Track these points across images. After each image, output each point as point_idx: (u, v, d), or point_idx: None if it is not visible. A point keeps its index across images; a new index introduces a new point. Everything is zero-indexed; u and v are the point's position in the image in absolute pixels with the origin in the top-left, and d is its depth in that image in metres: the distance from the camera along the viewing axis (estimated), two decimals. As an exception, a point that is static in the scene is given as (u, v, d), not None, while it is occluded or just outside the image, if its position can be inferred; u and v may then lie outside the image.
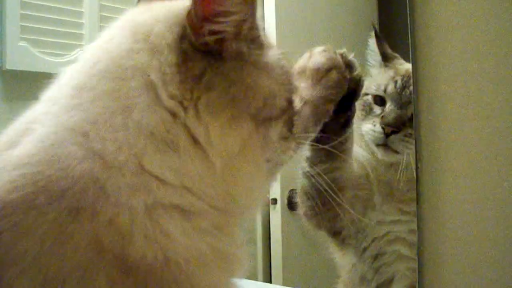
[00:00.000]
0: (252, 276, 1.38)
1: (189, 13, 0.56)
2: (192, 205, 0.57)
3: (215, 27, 0.57)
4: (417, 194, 0.97)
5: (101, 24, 1.53)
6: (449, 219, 0.96)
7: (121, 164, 0.53)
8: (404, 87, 1.05)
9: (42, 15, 1.40)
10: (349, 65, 0.90)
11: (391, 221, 1.07)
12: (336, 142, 0.97)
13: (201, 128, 0.57)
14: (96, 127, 0.54)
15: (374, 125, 1.05)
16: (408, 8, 0.97)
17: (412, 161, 0.99)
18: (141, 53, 0.57)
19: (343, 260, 1.19)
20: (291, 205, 1.45)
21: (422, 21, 0.98)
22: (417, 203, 0.96)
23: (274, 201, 1.48)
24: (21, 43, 1.36)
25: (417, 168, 0.97)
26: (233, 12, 0.57)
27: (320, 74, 0.83)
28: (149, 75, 0.56)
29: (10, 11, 1.35)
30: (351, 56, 0.92)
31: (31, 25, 1.39)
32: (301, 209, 1.13)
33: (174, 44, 0.58)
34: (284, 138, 0.67)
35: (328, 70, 0.85)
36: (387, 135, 1.03)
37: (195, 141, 0.57)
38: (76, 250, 0.50)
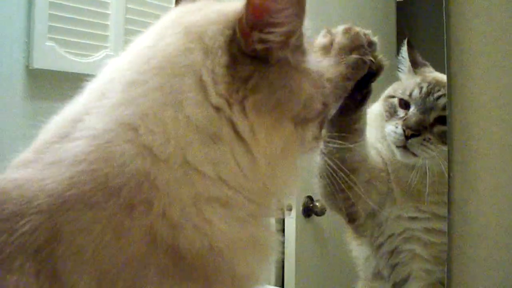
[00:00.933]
0: (265, 281, 1.39)
1: (240, 20, 0.59)
2: (229, 197, 0.60)
3: (265, 36, 0.59)
4: (449, 202, 0.99)
5: (127, 27, 1.55)
6: (480, 228, 0.97)
7: (168, 157, 0.57)
8: (428, 93, 1.08)
9: (70, 16, 1.43)
10: (371, 45, 0.92)
11: (409, 217, 1.09)
12: (348, 119, 1.00)
13: (246, 124, 0.60)
14: (146, 121, 0.57)
15: (396, 127, 1.08)
16: (444, 20, 1.00)
17: (433, 166, 1.03)
18: (196, 52, 0.60)
19: (358, 252, 1.21)
20: (306, 211, 1.46)
21: (456, 32, 1.00)
22: (448, 212, 0.98)
23: (289, 207, 1.49)
24: (48, 43, 1.39)
25: (449, 176, 0.99)
26: (284, 24, 0.59)
27: (343, 53, 0.86)
28: (201, 74, 0.59)
29: (39, 10, 1.37)
30: (374, 38, 0.93)
31: (58, 25, 1.41)
32: (319, 193, 1.14)
33: (226, 46, 0.60)
34: (316, 138, 0.70)
35: (351, 50, 0.87)
36: (407, 137, 1.06)
37: (238, 135, 0.60)
38: (131, 245, 0.53)
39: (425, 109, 1.07)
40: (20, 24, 1.36)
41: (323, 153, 1.02)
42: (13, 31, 1.36)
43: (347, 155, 1.04)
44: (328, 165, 1.00)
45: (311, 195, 1.47)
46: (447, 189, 1.06)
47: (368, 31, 0.93)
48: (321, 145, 0.75)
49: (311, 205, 1.46)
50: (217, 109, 0.59)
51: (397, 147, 1.08)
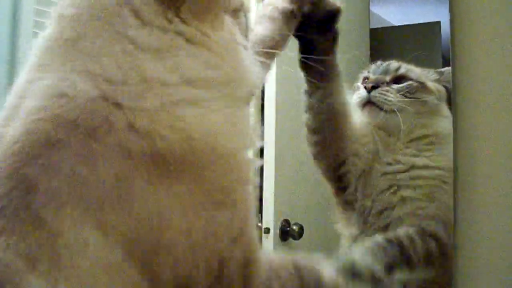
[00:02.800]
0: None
1: None
2: (197, 95, 0.63)
3: None
4: (454, 202, 1.05)
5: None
6: (486, 227, 1.01)
7: (124, 78, 0.59)
8: (381, 64, 1.29)
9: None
10: None
11: (392, 172, 1.18)
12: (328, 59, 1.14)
13: (193, 29, 0.65)
14: (95, 60, 0.59)
15: (359, 89, 1.25)
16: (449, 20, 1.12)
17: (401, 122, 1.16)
18: None
19: (346, 230, 1.26)
20: (283, 235, 1.48)
21: (461, 34, 1.10)
22: (454, 212, 1.04)
23: (267, 230, 1.50)
24: None
25: (454, 177, 1.06)
26: None
27: None
28: (132, 5, 0.63)
29: (24, 34, 1.38)
30: None
31: None
32: (310, 152, 1.24)
33: None
34: (246, 29, 0.77)
35: None
36: (369, 92, 1.21)
37: (191, 41, 0.65)
38: (108, 167, 0.55)
39: (380, 72, 1.26)
40: (4, 45, 1.36)
41: (312, 108, 1.16)
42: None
43: (334, 99, 1.17)
44: (319, 117, 1.16)
45: (288, 218, 1.50)
46: (420, 141, 1.17)
47: None
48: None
49: (288, 228, 1.49)
50: (161, 27, 0.63)
51: (364, 106, 1.22)
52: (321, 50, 1.10)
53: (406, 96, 1.18)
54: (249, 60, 0.72)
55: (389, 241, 1.04)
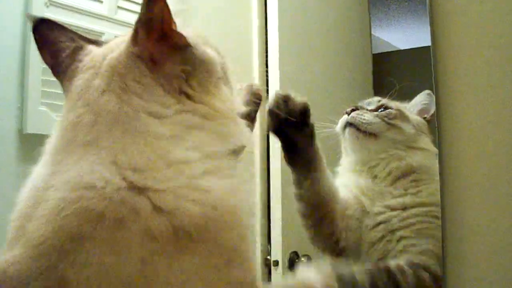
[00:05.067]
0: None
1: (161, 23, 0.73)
2: (215, 166, 0.69)
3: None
4: (442, 204, 1.06)
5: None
6: (473, 228, 1.02)
7: (152, 165, 0.64)
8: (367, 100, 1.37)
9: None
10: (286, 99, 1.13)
11: (382, 221, 1.20)
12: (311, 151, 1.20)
13: (203, 105, 0.73)
14: (122, 152, 0.64)
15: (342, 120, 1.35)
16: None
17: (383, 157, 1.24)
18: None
19: None
20: (292, 267, 1.49)
21: (442, 40, 1.13)
22: (442, 215, 1.06)
23: (276, 263, 1.51)
24: (41, 108, 1.42)
25: (441, 180, 1.08)
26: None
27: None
28: (148, 109, 0.69)
29: (32, 76, 1.40)
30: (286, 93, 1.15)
31: (51, 90, 1.42)
32: (307, 235, 1.29)
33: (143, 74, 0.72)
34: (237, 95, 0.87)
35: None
36: (348, 114, 1.32)
37: (203, 116, 0.73)
38: (135, 252, 0.58)
39: (365, 104, 1.35)
40: (13, 89, 1.38)
41: (302, 197, 1.22)
42: (6, 97, 1.38)
43: (317, 187, 1.22)
44: (308, 203, 1.21)
45: (296, 250, 1.51)
46: (405, 179, 1.20)
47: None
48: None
49: (297, 260, 1.50)
50: (175, 113, 0.71)
51: (344, 128, 1.32)
52: (302, 144, 1.19)
53: (384, 121, 1.23)
54: (244, 125, 0.80)
55: (379, 269, 1.05)
